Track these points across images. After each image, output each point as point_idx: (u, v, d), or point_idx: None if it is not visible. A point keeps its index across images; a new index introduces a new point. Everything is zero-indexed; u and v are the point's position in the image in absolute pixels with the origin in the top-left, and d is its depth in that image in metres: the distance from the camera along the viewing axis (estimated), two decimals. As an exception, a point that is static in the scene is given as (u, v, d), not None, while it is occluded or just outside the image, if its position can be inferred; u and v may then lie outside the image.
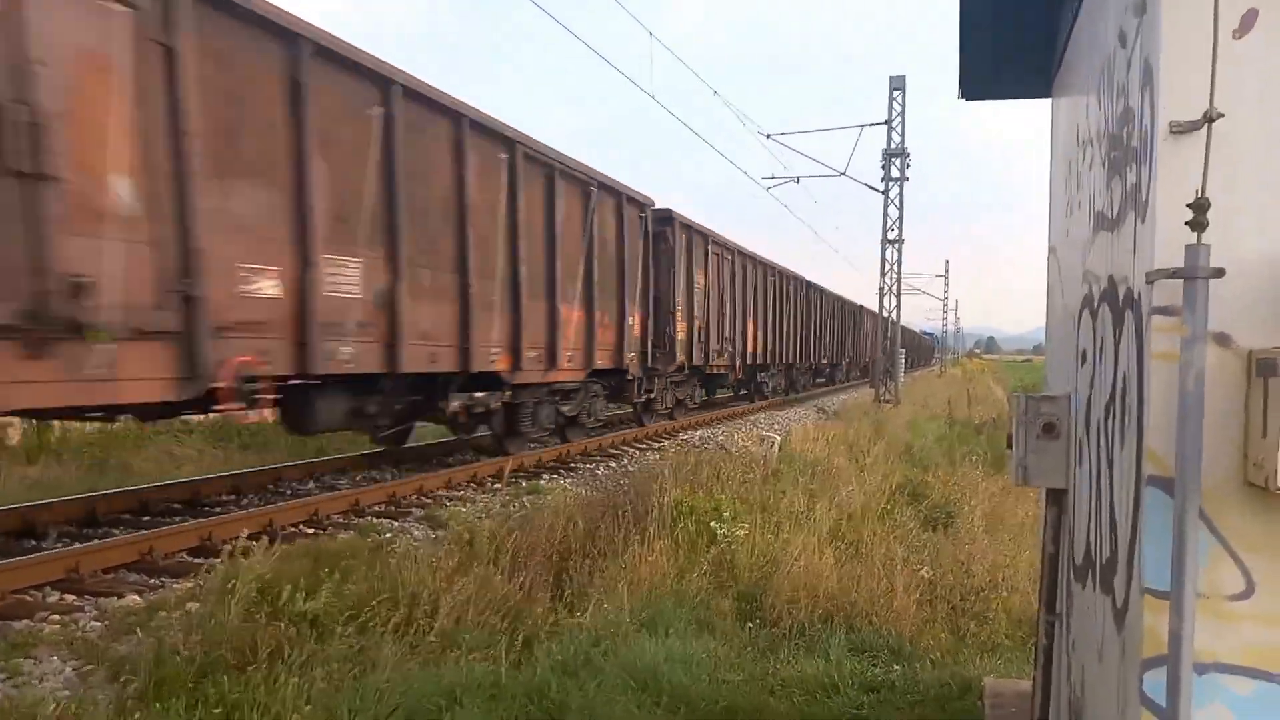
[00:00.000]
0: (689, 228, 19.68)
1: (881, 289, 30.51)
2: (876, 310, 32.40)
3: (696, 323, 20.10)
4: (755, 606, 6.46)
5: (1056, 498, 3.57)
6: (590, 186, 14.33)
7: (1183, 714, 1.89)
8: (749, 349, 25.11)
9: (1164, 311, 1.96)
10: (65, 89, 5.89)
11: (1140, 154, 2.10)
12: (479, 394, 11.88)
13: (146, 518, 8.82)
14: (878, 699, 5.07)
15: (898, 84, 28.16)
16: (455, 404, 11.45)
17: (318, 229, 8.18)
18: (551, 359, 13.34)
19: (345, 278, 8.66)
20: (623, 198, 15.60)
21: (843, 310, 43.06)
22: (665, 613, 5.93)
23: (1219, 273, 1.82)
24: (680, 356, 19.08)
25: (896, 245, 29.77)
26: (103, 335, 6.02)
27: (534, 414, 13.60)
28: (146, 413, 7.86)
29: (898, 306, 31.16)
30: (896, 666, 5.61)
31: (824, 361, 38.58)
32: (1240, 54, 1.86)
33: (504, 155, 11.83)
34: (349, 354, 8.74)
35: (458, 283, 10.81)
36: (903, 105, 28.13)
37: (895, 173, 28.62)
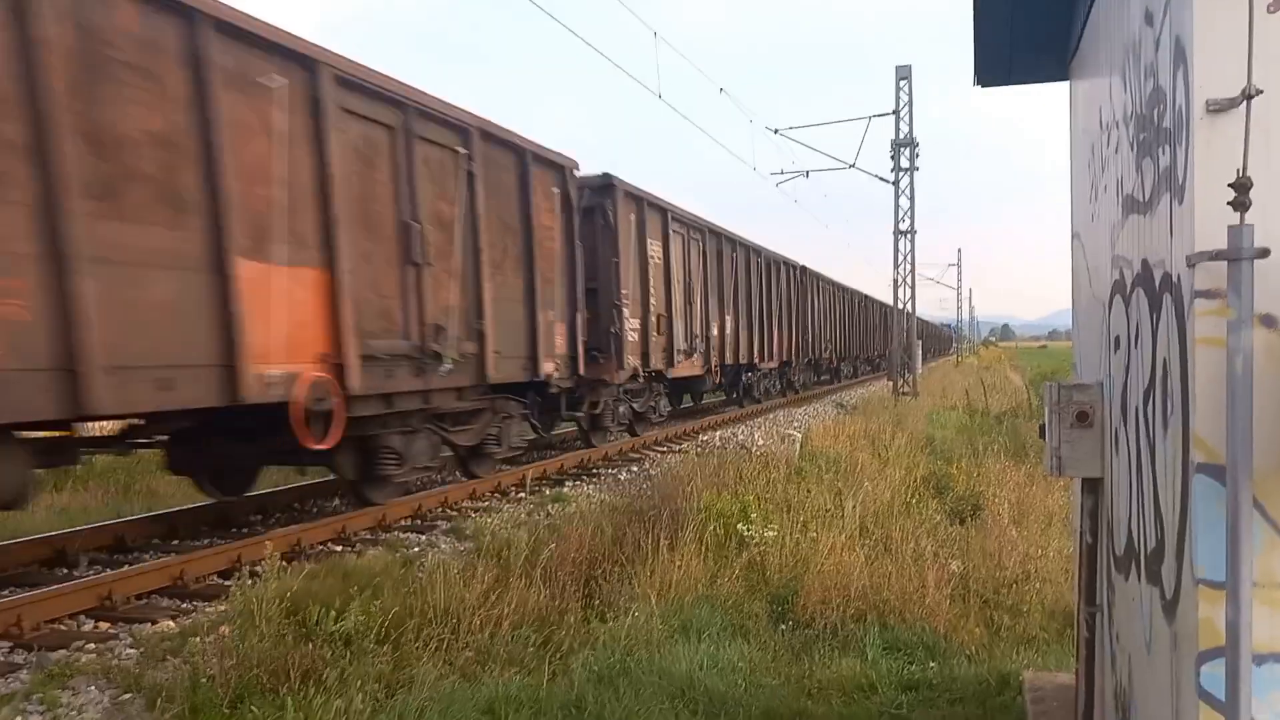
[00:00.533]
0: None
1: (895, 280, 30.36)
2: (890, 302, 32.06)
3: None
4: (788, 608, 6.41)
5: (1092, 487, 3.51)
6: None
7: (1243, 706, 1.84)
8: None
9: (1207, 295, 1.92)
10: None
11: (1174, 134, 2.06)
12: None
13: (176, 541, 8.85)
14: (916, 697, 5.02)
15: (904, 74, 28.02)
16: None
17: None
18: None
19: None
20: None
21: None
22: (698, 618, 5.90)
23: (1264, 253, 1.78)
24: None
25: (909, 236, 29.62)
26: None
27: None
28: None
29: (912, 298, 31.03)
30: (932, 663, 5.55)
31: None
32: (1275, 29, 1.82)
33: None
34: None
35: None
36: (909, 95, 28.00)
37: (905, 163, 28.48)
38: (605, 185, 14.70)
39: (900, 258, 29.92)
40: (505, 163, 11.57)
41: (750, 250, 23.35)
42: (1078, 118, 4.03)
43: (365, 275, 8.91)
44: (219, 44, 7.23)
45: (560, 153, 12.90)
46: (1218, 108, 1.86)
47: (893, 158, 28.50)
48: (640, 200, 15.90)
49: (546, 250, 12.49)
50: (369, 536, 9.10)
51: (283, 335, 7.86)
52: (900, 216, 29.14)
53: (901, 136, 28.10)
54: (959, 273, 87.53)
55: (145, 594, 6.98)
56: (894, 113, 27.96)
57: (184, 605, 6.85)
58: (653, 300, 16.39)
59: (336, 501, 10.92)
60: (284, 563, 7.40)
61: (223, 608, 6.43)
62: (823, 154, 28.29)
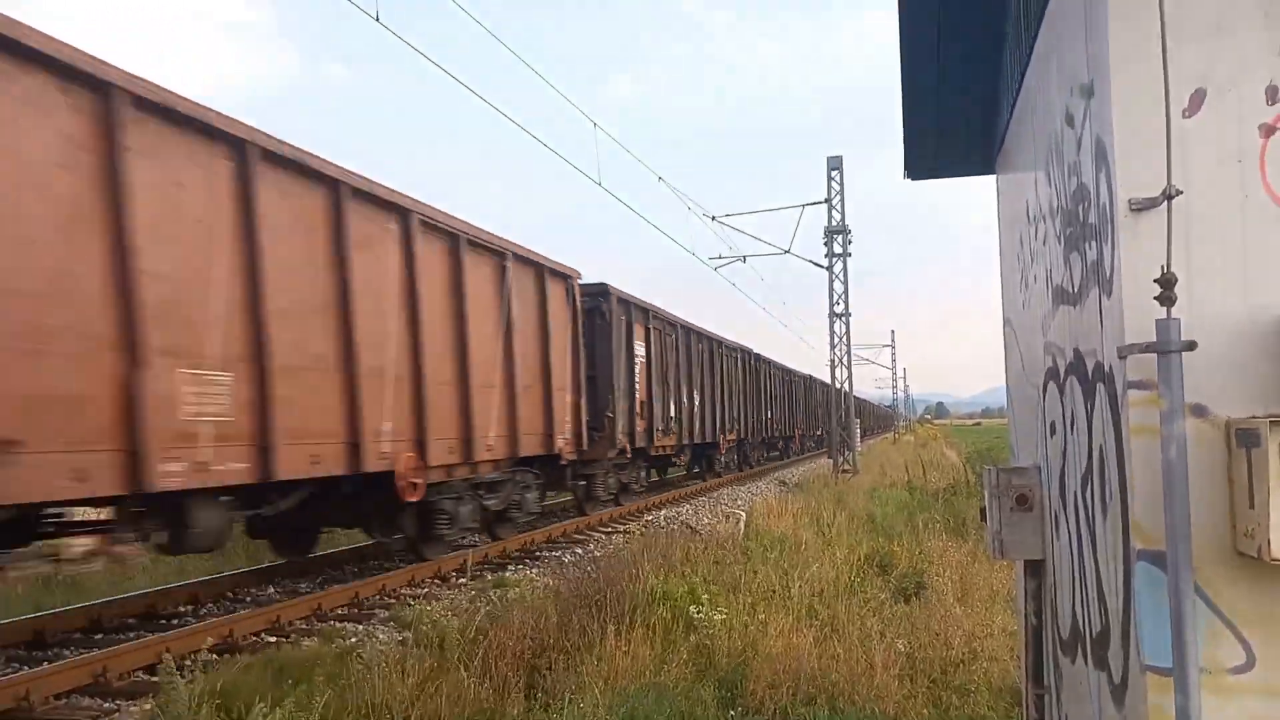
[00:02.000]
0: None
1: (832, 361, 30.86)
2: (828, 381, 32.65)
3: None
4: (736, 692, 6.31)
5: (1035, 569, 3.56)
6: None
7: (1195, 792, 1.86)
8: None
9: (1138, 385, 1.99)
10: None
11: (1100, 231, 2.15)
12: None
13: (99, 635, 8.46)
14: (868, 784, 4.94)
15: (835, 164, 28.91)
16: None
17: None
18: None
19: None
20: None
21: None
22: (644, 708, 5.77)
23: (1191, 345, 1.85)
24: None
25: (844, 319, 30.23)
26: None
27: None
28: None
29: (849, 377, 31.51)
30: (882, 747, 5.49)
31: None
32: (1192, 131, 1.93)
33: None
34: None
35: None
36: (840, 184, 28.84)
37: (838, 249, 29.19)
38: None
39: (836, 339, 30.47)
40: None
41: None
42: (1005, 209, 4.18)
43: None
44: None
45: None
46: (1140, 206, 1.95)
47: (826, 244, 29.21)
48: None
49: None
50: (305, 626, 8.80)
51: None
52: (835, 300, 29.77)
53: (834, 224, 28.87)
54: (893, 353, 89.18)
55: (65, 693, 6.63)
56: (826, 201, 28.75)
57: (106, 705, 6.52)
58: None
59: (271, 590, 10.57)
60: (215, 656, 7.12)
61: (148, 706, 6.14)
62: (759, 240, 28.96)
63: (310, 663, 6.96)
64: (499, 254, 12.96)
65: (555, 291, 14.81)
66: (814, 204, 28.40)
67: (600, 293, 17.30)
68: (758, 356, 32.62)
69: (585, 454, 15.97)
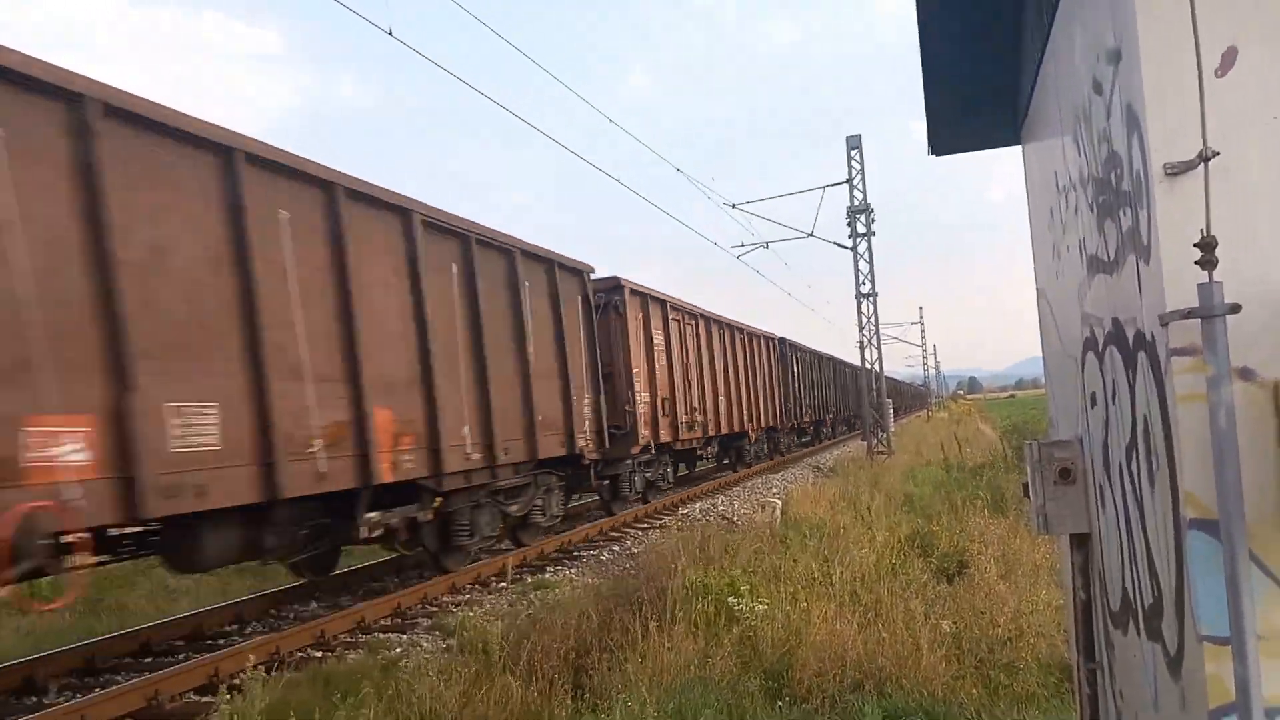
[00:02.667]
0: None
1: (860, 342, 30.71)
2: (858, 363, 32.50)
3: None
4: (783, 683, 6.30)
5: (1080, 543, 3.51)
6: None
7: (1261, 763, 1.82)
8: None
9: (1182, 352, 1.94)
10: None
11: (1134, 197, 2.11)
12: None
13: (149, 659, 8.57)
14: (922, 767, 4.92)
15: (854, 143, 28.73)
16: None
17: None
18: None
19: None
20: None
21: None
22: (692, 702, 5.77)
23: (1235, 308, 1.81)
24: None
25: (870, 299, 30.05)
26: None
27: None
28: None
29: (879, 358, 31.33)
30: (933, 729, 5.46)
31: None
32: (1226, 90, 1.88)
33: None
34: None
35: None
36: (861, 163, 28.67)
37: (861, 229, 29.02)
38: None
39: (864, 320, 30.32)
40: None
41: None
42: (1033, 180, 4.12)
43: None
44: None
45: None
46: (1175, 170, 1.91)
47: (849, 225, 29.04)
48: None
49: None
50: (349, 639, 8.87)
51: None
52: (860, 280, 29.62)
53: (856, 204, 28.70)
54: (921, 331, 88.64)
55: (120, 717, 6.72)
56: (847, 181, 28.59)
57: (161, 727, 6.61)
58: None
59: (314, 605, 10.66)
60: (264, 673, 7.19)
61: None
62: (781, 225, 28.85)
63: (357, 675, 7.02)
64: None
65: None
66: (835, 185, 28.25)
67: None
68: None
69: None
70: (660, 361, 18.65)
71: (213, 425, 7.30)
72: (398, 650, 8.15)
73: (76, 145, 6.55)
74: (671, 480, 20.79)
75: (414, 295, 10.41)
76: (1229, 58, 1.87)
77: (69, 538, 6.13)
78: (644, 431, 17.31)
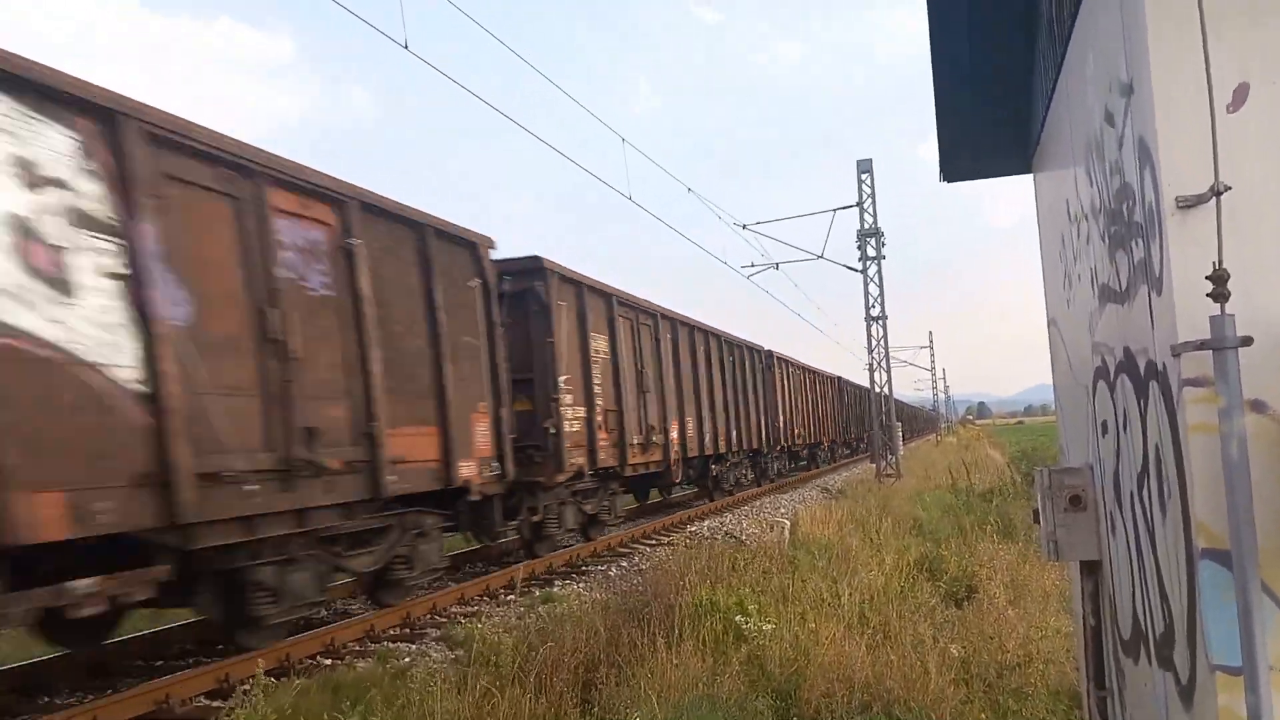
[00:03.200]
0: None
1: (870, 365, 30.70)
2: (866, 385, 32.54)
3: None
4: (791, 703, 6.29)
5: (1091, 569, 3.53)
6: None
7: (1270, 793, 1.84)
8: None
9: (1194, 383, 1.98)
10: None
11: (1147, 229, 2.14)
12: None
13: (160, 662, 8.61)
14: (928, 791, 4.90)
15: (865, 167, 28.82)
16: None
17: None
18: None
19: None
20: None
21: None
22: (701, 719, 5.77)
23: (1247, 341, 1.84)
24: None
25: (880, 322, 30.07)
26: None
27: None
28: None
29: (889, 381, 31.31)
30: (941, 753, 5.45)
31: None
32: (1237, 125, 1.92)
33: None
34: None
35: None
36: (871, 186, 28.74)
37: (871, 252, 29.07)
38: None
39: (874, 342, 30.30)
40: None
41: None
42: (1044, 208, 4.16)
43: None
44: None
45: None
46: (1187, 204, 1.95)
47: (859, 248, 29.10)
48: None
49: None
50: (358, 648, 8.90)
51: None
52: (870, 303, 29.63)
53: (866, 227, 28.76)
54: (931, 354, 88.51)
55: (130, 721, 6.76)
56: (858, 204, 28.66)
57: (170, 731, 6.64)
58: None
59: (323, 613, 10.70)
60: (272, 680, 7.22)
61: (210, 732, 6.24)
62: (792, 246, 28.89)
63: (366, 684, 7.04)
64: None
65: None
66: (845, 208, 28.30)
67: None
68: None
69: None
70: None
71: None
72: (406, 660, 8.18)
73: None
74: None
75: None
76: (1240, 94, 1.91)
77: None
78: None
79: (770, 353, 29.02)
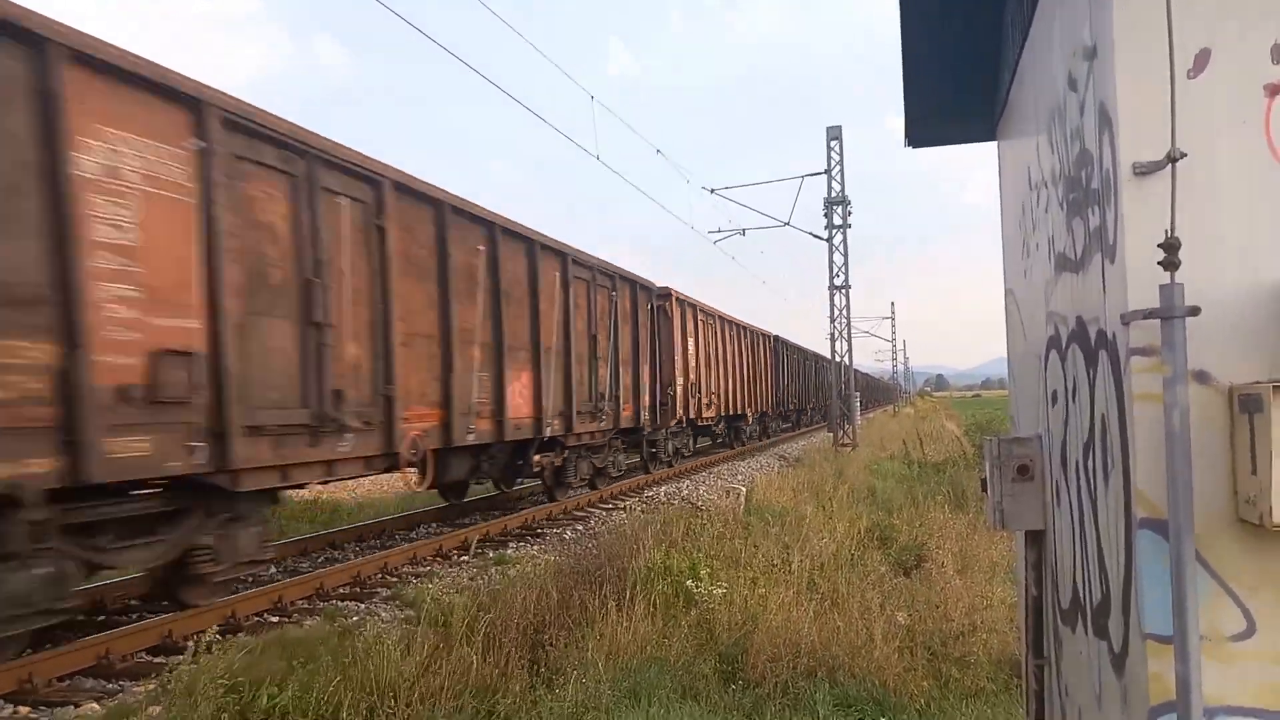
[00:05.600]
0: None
1: (832, 334, 30.85)
2: (819, 351, 33.14)
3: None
4: (737, 667, 6.34)
5: (1035, 539, 3.54)
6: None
7: (1196, 761, 1.85)
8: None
9: (1141, 352, 1.96)
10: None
11: (1103, 196, 2.12)
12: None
13: (102, 617, 8.47)
14: (869, 755, 4.97)
15: (834, 134, 28.75)
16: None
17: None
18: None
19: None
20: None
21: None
22: (647, 682, 5.79)
23: (1195, 311, 1.82)
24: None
25: (844, 290, 30.16)
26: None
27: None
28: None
29: (849, 350, 31.49)
30: (883, 719, 5.52)
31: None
32: (1197, 92, 1.89)
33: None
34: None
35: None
36: (840, 154, 28.70)
37: (837, 220, 29.09)
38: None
39: (836, 312, 30.42)
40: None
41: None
42: (1006, 177, 4.14)
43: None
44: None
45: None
46: (1144, 170, 1.92)
47: (825, 215, 29.10)
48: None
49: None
50: (307, 606, 8.83)
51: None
52: (834, 272, 29.70)
53: (833, 195, 28.74)
54: (893, 326, 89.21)
55: (68, 675, 6.65)
56: (826, 172, 28.62)
57: (110, 685, 6.54)
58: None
59: (273, 570, 10.59)
60: (220, 636, 7.14)
61: (151, 687, 6.16)
62: (759, 212, 28.91)
63: (314, 642, 6.98)
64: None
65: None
66: (813, 175, 28.27)
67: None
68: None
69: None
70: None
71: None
72: (355, 619, 8.12)
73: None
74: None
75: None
76: (1202, 60, 1.88)
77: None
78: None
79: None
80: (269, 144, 8.34)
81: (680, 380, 21.73)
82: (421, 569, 10.54)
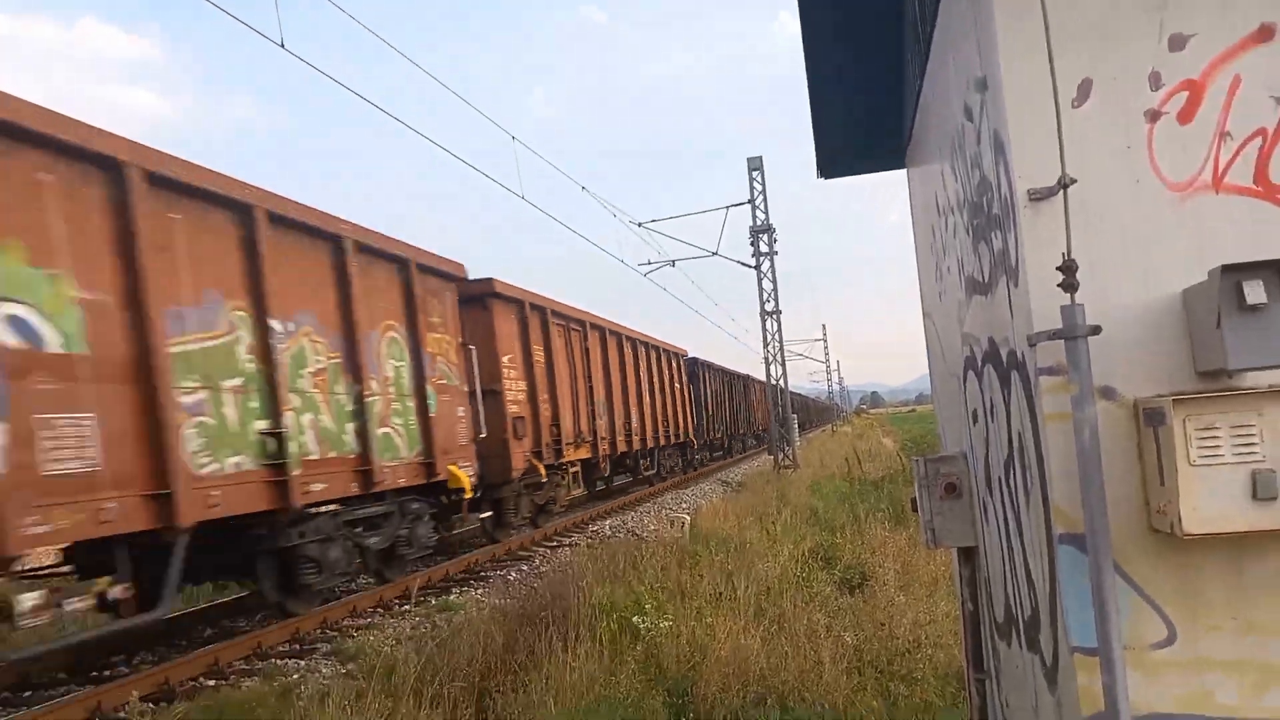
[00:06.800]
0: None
1: (766, 358, 31.13)
2: (764, 379, 33.01)
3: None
4: (687, 699, 6.30)
5: (968, 555, 3.60)
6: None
7: (1128, 769, 1.88)
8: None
9: (1049, 371, 2.02)
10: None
11: (1003, 221, 2.18)
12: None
13: (28, 693, 8.12)
14: (821, 780, 4.96)
15: (755, 164, 29.19)
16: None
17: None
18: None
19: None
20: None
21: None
22: (596, 721, 5.73)
23: (1096, 330, 1.88)
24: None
25: (775, 316, 30.52)
26: None
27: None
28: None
29: (784, 374, 31.82)
30: (834, 742, 5.52)
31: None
32: (1083, 120, 1.96)
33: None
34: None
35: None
36: (763, 184, 29.14)
37: (764, 248, 29.48)
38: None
39: (769, 337, 30.75)
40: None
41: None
42: (917, 203, 4.24)
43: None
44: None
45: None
46: (1039, 196, 1.98)
47: (752, 244, 29.48)
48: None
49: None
50: (245, 666, 8.56)
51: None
52: (765, 298, 30.06)
53: (758, 224, 29.15)
54: (825, 347, 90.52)
55: (-9, 760, 6.36)
56: (749, 202, 29.02)
57: (36, 768, 6.26)
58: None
59: (208, 631, 10.27)
60: (150, 706, 6.89)
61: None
62: (687, 244, 29.15)
63: (252, 704, 6.78)
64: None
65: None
66: (737, 205, 28.62)
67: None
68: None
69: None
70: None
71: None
72: (295, 676, 7.90)
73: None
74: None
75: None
76: (1084, 89, 1.95)
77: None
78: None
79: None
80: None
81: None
82: (363, 621, 10.31)
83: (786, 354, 31.95)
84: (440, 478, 12.45)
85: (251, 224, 9.18)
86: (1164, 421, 1.84)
